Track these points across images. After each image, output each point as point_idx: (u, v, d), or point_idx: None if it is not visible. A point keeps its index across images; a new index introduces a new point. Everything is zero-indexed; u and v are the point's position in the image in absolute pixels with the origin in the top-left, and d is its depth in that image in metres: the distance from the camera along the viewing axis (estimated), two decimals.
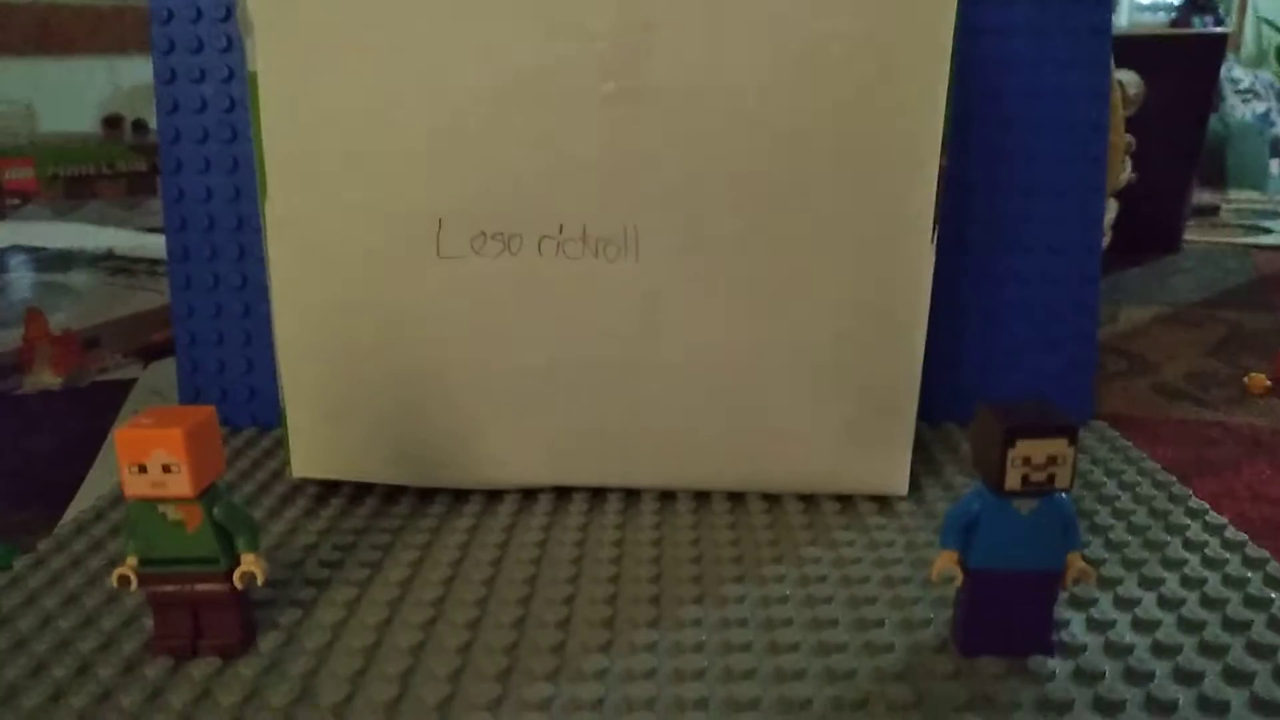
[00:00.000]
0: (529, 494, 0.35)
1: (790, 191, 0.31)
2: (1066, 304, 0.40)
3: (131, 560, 0.25)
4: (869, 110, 0.30)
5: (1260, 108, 3.55)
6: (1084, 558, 0.25)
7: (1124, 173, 0.54)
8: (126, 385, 0.47)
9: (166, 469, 0.24)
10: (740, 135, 0.30)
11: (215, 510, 0.25)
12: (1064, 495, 0.24)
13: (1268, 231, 0.85)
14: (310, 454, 0.34)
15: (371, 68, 0.30)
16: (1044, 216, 0.40)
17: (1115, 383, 0.47)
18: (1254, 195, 1.17)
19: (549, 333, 0.32)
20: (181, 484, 0.24)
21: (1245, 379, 0.46)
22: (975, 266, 0.40)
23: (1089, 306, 0.40)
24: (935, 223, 0.31)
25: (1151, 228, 0.76)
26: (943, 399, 0.39)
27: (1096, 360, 0.41)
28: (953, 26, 0.30)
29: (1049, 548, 0.25)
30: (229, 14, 0.39)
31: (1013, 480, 0.24)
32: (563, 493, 0.35)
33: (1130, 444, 0.39)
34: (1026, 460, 0.24)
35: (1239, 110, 3.41)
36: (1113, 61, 0.45)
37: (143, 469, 0.24)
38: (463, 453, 0.34)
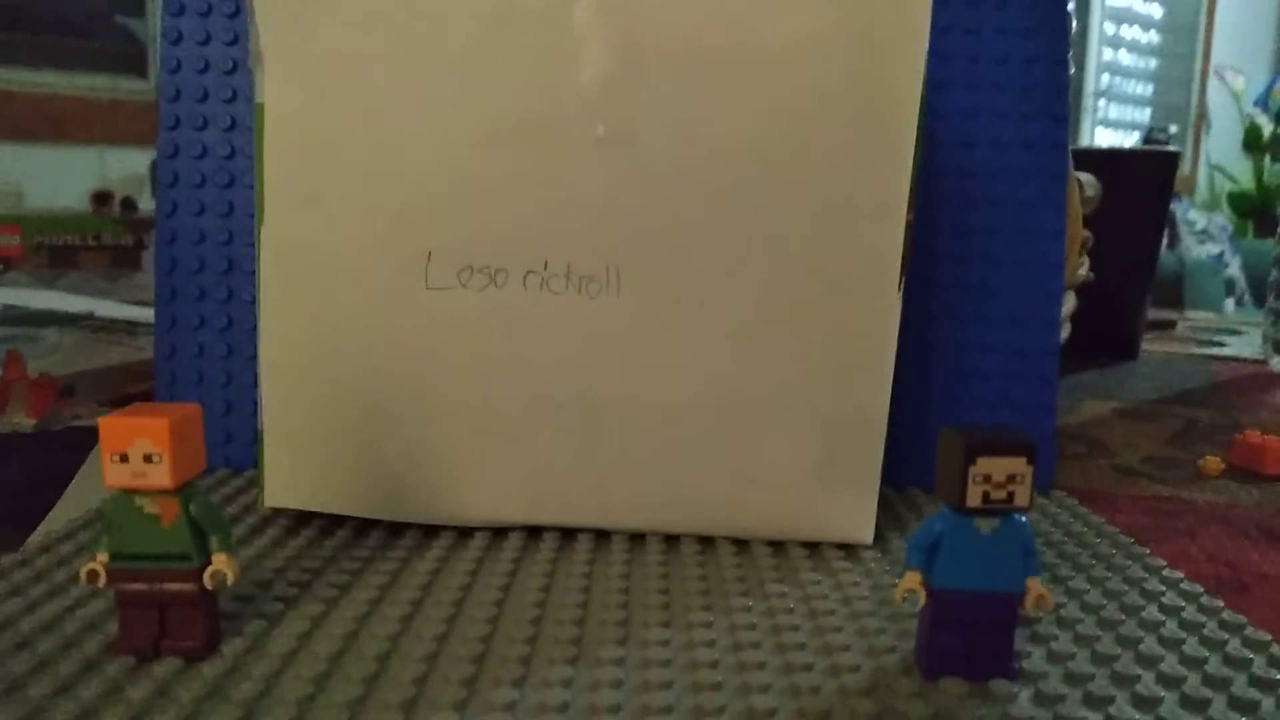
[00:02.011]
0: (499, 532, 0.35)
1: (764, 236, 0.32)
2: (1027, 376, 0.42)
3: (103, 556, 0.25)
4: (841, 161, 0.32)
5: (1214, 249, 3.70)
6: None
7: (1082, 268, 0.57)
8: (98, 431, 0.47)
9: (148, 459, 0.24)
10: (719, 180, 0.32)
11: (192, 506, 0.25)
12: (1024, 519, 0.25)
13: (1223, 345, 0.88)
14: (284, 484, 0.34)
15: (373, 105, 0.32)
16: (1005, 291, 0.42)
17: (1075, 463, 0.48)
18: (1210, 315, 1.21)
19: (529, 367, 0.33)
20: (162, 475, 0.24)
21: (1200, 462, 0.48)
22: (940, 338, 0.42)
23: (1048, 380, 0.42)
24: (902, 272, 0.33)
25: (1111, 335, 0.78)
26: (908, 465, 0.40)
27: (1055, 430, 0.42)
28: (919, 90, 0.32)
29: (1009, 569, 0.25)
30: (235, 66, 0.40)
31: (973, 497, 0.25)
32: (533, 532, 0.35)
33: (1089, 511, 0.40)
34: (987, 478, 0.24)
35: (1195, 250, 3.55)
36: (1071, 163, 0.47)
37: (124, 458, 0.24)
38: (437, 487, 0.34)
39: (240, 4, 0.41)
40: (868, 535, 0.35)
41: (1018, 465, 0.24)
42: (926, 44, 0.32)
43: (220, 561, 0.25)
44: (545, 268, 0.32)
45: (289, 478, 0.34)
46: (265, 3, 0.32)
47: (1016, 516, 0.25)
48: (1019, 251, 0.41)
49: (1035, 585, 0.25)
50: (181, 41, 0.41)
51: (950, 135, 0.41)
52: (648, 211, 0.32)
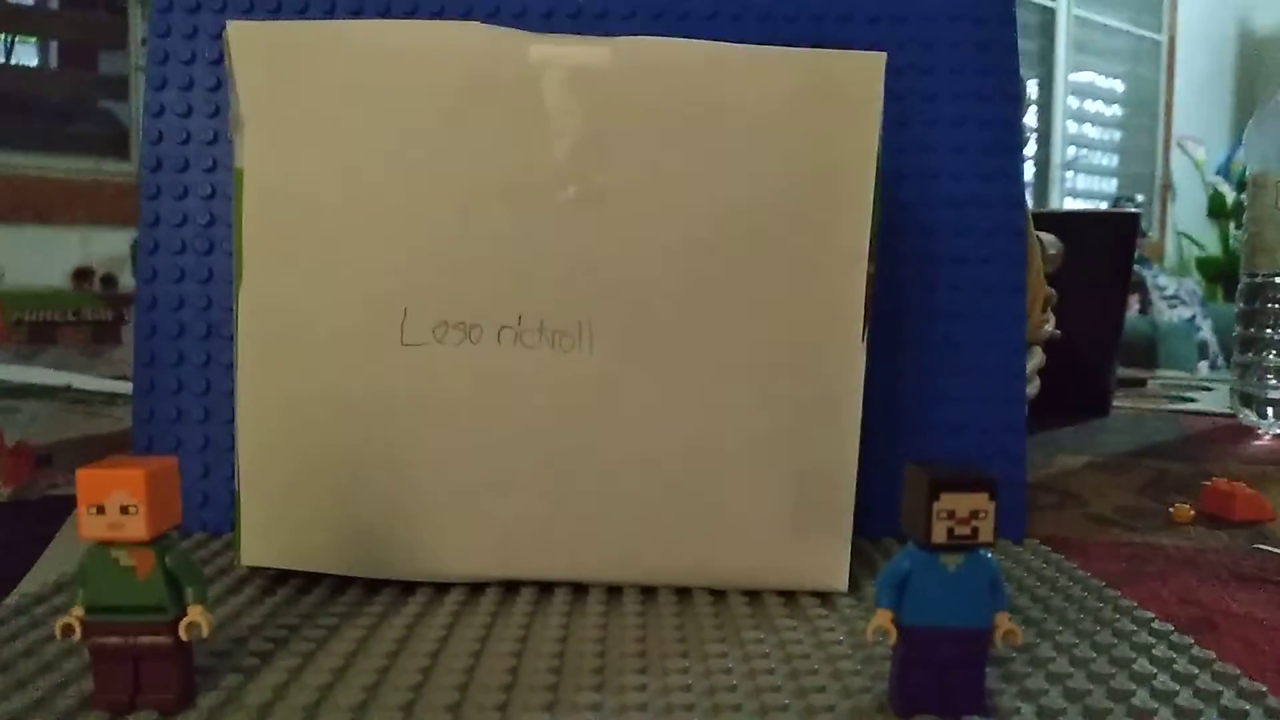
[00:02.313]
0: (476, 588, 0.35)
1: (730, 289, 0.33)
2: (995, 426, 0.43)
3: (78, 610, 0.25)
4: (801, 215, 0.33)
5: (1186, 313, 3.74)
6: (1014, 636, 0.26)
7: (1047, 324, 0.58)
8: (74, 501, 0.47)
9: (125, 510, 0.24)
10: (685, 237, 0.33)
11: (168, 558, 0.25)
12: (989, 555, 0.26)
13: (1193, 400, 0.90)
14: (260, 542, 0.35)
15: (350, 169, 0.33)
16: (970, 345, 0.43)
17: (1048, 513, 0.49)
18: (1181, 373, 1.23)
19: (503, 421, 0.34)
20: (138, 526, 0.24)
21: (1171, 509, 0.48)
22: (908, 392, 0.43)
23: (1016, 428, 0.43)
24: (866, 322, 0.34)
25: (1082, 391, 0.79)
26: (880, 516, 0.40)
27: (1026, 480, 0.43)
28: (875, 148, 0.34)
29: (977, 605, 0.26)
30: (216, 137, 0.42)
31: (939, 533, 0.25)
32: (510, 587, 0.35)
33: (1061, 557, 0.40)
34: (951, 514, 0.25)
35: (1167, 314, 3.58)
36: (1031, 223, 0.49)
37: (100, 509, 0.24)
38: (413, 543, 0.34)
39: (221, 78, 0.42)
40: (842, 582, 0.35)
41: (980, 501, 0.25)
42: (880, 107, 0.34)
43: (195, 613, 0.25)
44: (519, 322, 0.33)
45: (265, 536, 0.35)
46: (245, 71, 0.33)
47: (982, 552, 0.26)
48: (981, 305, 0.43)
49: (1003, 620, 0.26)
50: (163, 114, 0.42)
51: (911, 195, 0.43)
52: (617, 268, 0.33)
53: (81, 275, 1.07)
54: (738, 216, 0.33)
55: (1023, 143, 0.44)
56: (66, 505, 0.46)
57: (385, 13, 0.42)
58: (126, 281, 1.16)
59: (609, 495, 0.34)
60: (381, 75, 0.33)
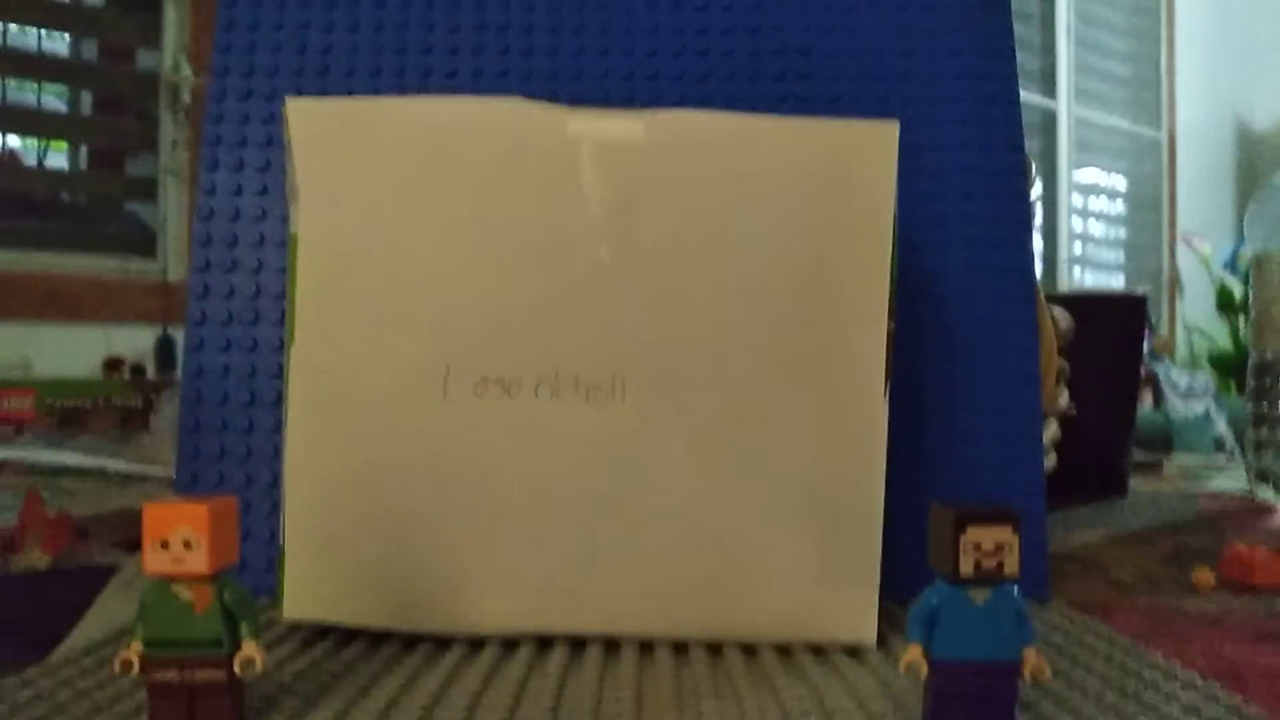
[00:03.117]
0: (510, 644, 0.36)
1: (756, 346, 0.35)
2: (1015, 487, 0.43)
3: (136, 645, 0.26)
4: (824, 276, 0.35)
5: (1200, 407, 3.73)
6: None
7: (1061, 397, 0.59)
8: (111, 570, 0.48)
9: (187, 545, 0.26)
10: (714, 296, 0.35)
11: (226, 593, 0.26)
12: (1015, 589, 0.27)
13: (1210, 480, 0.90)
14: (303, 597, 0.36)
15: (398, 234, 0.35)
16: (987, 408, 0.44)
17: (1071, 579, 0.50)
18: (1198, 457, 1.23)
19: (539, 473, 0.35)
20: (200, 560, 0.26)
21: (1193, 575, 0.49)
22: (930, 456, 0.44)
23: (1035, 489, 0.44)
24: (887, 378, 0.35)
25: (1099, 471, 0.80)
26: (909, 580, 0.41)
27: (1046, 540, 0.44)
28: (891, 211, 0.36)
29: (1005, 638, 0.26)
30: (264, 213, 0.44)
31: (966, 566, 0.26)
32: (543, 644, 0.36)
33: (1086, 617, 0.41)
34: (977, 546, 0.26)
35: (1181, 408, 3.58)
36: (1042, 295, 0.51)
37: (165, 544, 0.26)
38: (450, 598, 0.35)
39: (270, 159, 0.45)
40: (871, 635, 0.36)
41: (1005, 534, 0.26)
42: (894, 172, 0.36)
43: (250, 649, 0.26)
44: (556, 378, 0.35)
45: (308, 591, 0.35)
46: (302, 145, 0.35)
47: (1008, 586, 0.27)
48: (996, 368, 0.44)
49: (1031, 654, 0.26)
50: (215, 192, 0.44)
51: (926, 264, 0.44)
52: (648, 325, 0.35)
53: (112, 365, 1.10)
54: (763, 278, 0.35)
55: (1030, 216, 0.46)
56: (104, 575, 0.47)
57: (426, 76, 0.45)
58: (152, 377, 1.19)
59: (640, 548, 0.35)
60: (428, 148, 0.35)
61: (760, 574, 0.35)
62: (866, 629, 0.36)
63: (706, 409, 0.35)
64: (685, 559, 0.35)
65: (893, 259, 0.36)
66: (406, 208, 0.35)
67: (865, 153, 0.36)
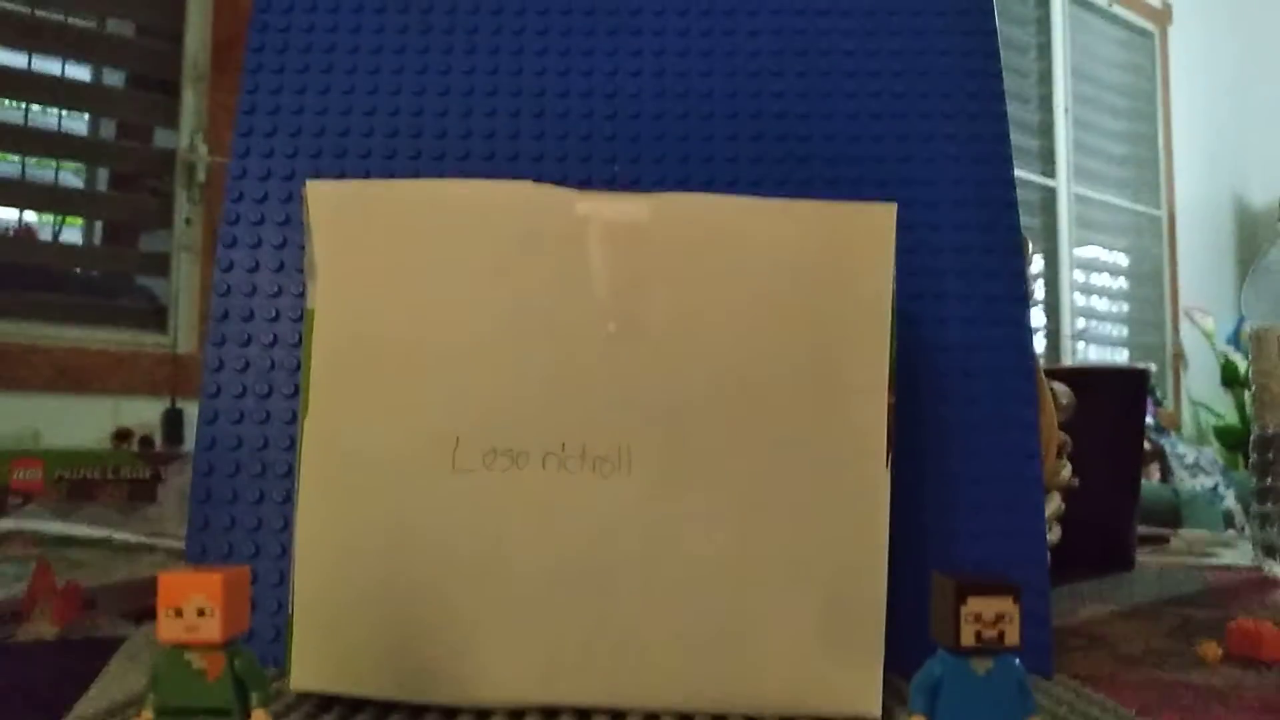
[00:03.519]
0: (516, 715, 0.36)
1: (761, 417, 0.36)
2: (1018, 560, 0.44)
3: (148, 713, 0.27)
4: (825, 350, 0.36)
5: (1208, 481, 3.69)
6: None
7: (1064, 470, 0.59)
8: (119, 641, 0.48)
9: (201, 613, 0.26)
10: (718, 369, 0.36)
11: (237, 662, 0.27)
12: (1016, 660, 0.27)
13: (1217, 555, 0.90)
14: (311, 668, 0.36)
15: (412, 310, 0.36)
16: (988, 480, 0.44)
17: (1076, 654, 0.49)
18: (1204, 532, 1.22)
19: (545, 544, 0.35)
20: (212, 629, 0.26)
21: (1199, 648, 0.49)
22: (932, 529, 0.44)
23: (1039, 562, 0.44)
24: (889, 449, 0.36)
25: (1104, 545, 0.80)
26: (911, 651, 0.41)
27: (1050, 616, 0.44)
28: (890, 286, 0.37)
29: (1007, 708, 0.27)
30: (280, 290, 0.45)
31: (967, 636, 0.26)
32: (550, 714, 0.36)
33: (1091, 690, 0.41)
34: (978, 617, 0.26)
35: (1188, 483, 3.54)
36: (1042, 370, 0.52)
37: (179, 613, 0.26)
38: (457, 668, 0.36)
39: (287, 238, 0.46)
40: (875, 707, 0.36)
41: (1005, 604, 0.27)
42: (893, 251, 0.37)
43: (259, 716, 0.27)
44: (563, 449, 0.35)
45: (316, 662, 0.36)
46: (321, 223, 0.37)
47: (1010, 657, 0.27)
48: (997, 442, 0.45)
49: None
50: (232, 269, 0.46)
51: (926, 340, 0.45)
52: (655, 397, 0.36)
53: (121, 436, 1.11)
54: (766, 352, 0.36)
55: (1028, 293, 0.47)
56: (111, 645, 0.48)
57: (440, 158, 0.47)
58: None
59: (646, 619, 0.35)
60: (442, 229, 0.37)
61: (764, 647, 0.36)
62: (870, 701, 0.36)
63: (711, 481, 0.36)
64: (690, 631, 0.36)
65: (892, 334, 0.37)
66: (420, 285, 0.36)
67: (864, 233, 0.37)
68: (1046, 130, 3.69)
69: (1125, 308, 4.04)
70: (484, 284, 0.36)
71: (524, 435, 0.36)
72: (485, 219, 0.37)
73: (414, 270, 0.37)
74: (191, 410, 1.65)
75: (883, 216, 0.37)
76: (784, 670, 0.36)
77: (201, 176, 1.83)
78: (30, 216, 1.85)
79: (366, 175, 0.46)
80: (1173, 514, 2.67)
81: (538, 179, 0.38)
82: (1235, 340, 3.91)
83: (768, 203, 0.38)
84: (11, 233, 1.83)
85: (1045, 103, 3.69)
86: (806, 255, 0.37)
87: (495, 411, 0.36)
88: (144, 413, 1.67)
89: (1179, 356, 4.06)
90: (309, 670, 0.36)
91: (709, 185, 0.46)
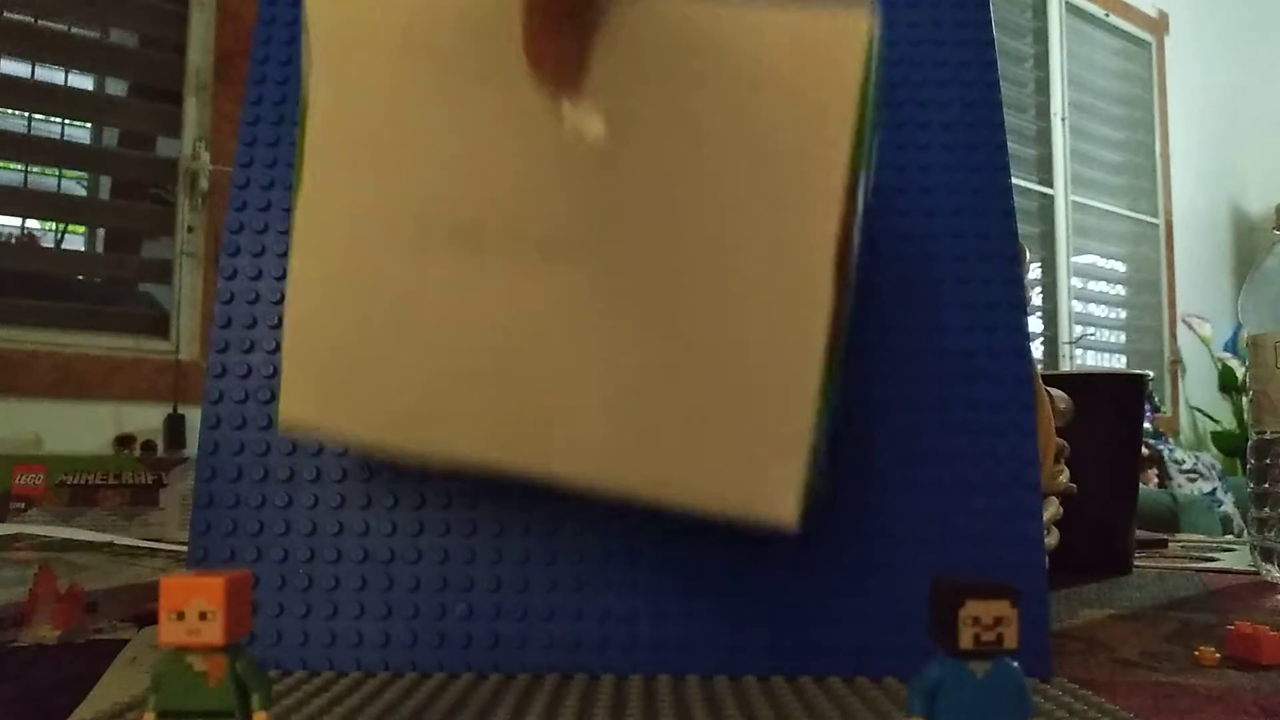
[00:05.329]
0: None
1: (710, 216, 0.37)
2: (1014, 564, 0.44)
3: (150, 716, 0.27)
4: (780, 155, 0.37)
5: (1206, 486, 3.69)
6: None
7: (1062, 475, 0.60)
8: (120, 644, 0.49)
9: (203, 616, 0.26)
10: (672, 171, 0.37)
11: (239, 664, 0.27)
12: (1014, 663, 0.27)
13: (1215, 559, 0.90)
14: (299, 400, 0.39)
15: (398, 99, 0.38)
16: (985, 487, 0.45)
17: (1074, 658, 0.50)
18: (1201, 536, 1.22)
19: (498, 319, 0.38)
20: (214, 632, 0.26)
21: (1196, 652, 0.49)
22: (928, 535, 0.44)
23: (1036, 567, 0.44)
24: (836, 268, 0.36)
25: (1102, 550, 0.80)
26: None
27: (1049, 620, 0.44)
28: (856, 91, 0.36)
29: (1006, 711, 0.27)
30: (282, 299, 0.45)
31: (966, 639, 0.27)
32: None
33: (1090, 693, 0.41)
34: (976, 620, 0.27)
35: (1186, 487, 3.55)
36: (1040, 377, 0.52)
37: (181, 615, 0.26)
38: (427, 419, 0.38)
39: (289, 245, 0.46)
40: (790, 516, 0.36)
41: (1003, 608, 0.27)
42: (861, 67, 0.36)
43: (261, 719, 0.27)
44: (520, 235, 0.37)
45: (304, 396, 0.39)
46: (318, 12, 0.39)
47: (1007, 660, 0.27)
48: (995, 447, 0.45)
49: None
50: (236, 277, 0.46)
51: (922, 346, 0.46)
52: (611, 195, 0.37)
53: (123, 441, 1.11)
54: (722, 154, 0.37)
55: (1026, 299, 0.47)
56: (112, 648, 0.48)
57: None
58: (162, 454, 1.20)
59: (593, 402, 0.37)
60: (432, 26, 0.38)
61: (690, 440, 0.37)
62: (786, 508, 0.36)
63: (655, 274, 0.37)
64: (617, 411, 0.37)
65: (861, 147, 0.36)
66: (409, 77, 0.38)
67: (832, 42, 0.37)
68: (1044, 139, 3.70)
69: (1123, 314, 4.04)
70: (466, 79, 0.38)
71: (488, 219, 0.37)
72: (471, 18, 0.38)
73: (405, 64, 0.38)
74: (193, 415, 1.66)
75: (854, 23, 0.36)
76: (706, 464, 0.37)
77: (204, 184, 1.84)
78: (33, 224, 1.85)
79: None
80: (1170, 519, 2.67)
81: None
82: (1232, 346, 3.92)
83: (734, 9, 0.37)
84: (14, 240, 1.83)
85: (1043, 111, 3.70)
86: (770, 63, 0.37)
87: (464, 196, 0.38)
88: (146, 418, 1.68)
89: (1176, 363, 4.06)
90: (297, 403, 0.39)
91: None
